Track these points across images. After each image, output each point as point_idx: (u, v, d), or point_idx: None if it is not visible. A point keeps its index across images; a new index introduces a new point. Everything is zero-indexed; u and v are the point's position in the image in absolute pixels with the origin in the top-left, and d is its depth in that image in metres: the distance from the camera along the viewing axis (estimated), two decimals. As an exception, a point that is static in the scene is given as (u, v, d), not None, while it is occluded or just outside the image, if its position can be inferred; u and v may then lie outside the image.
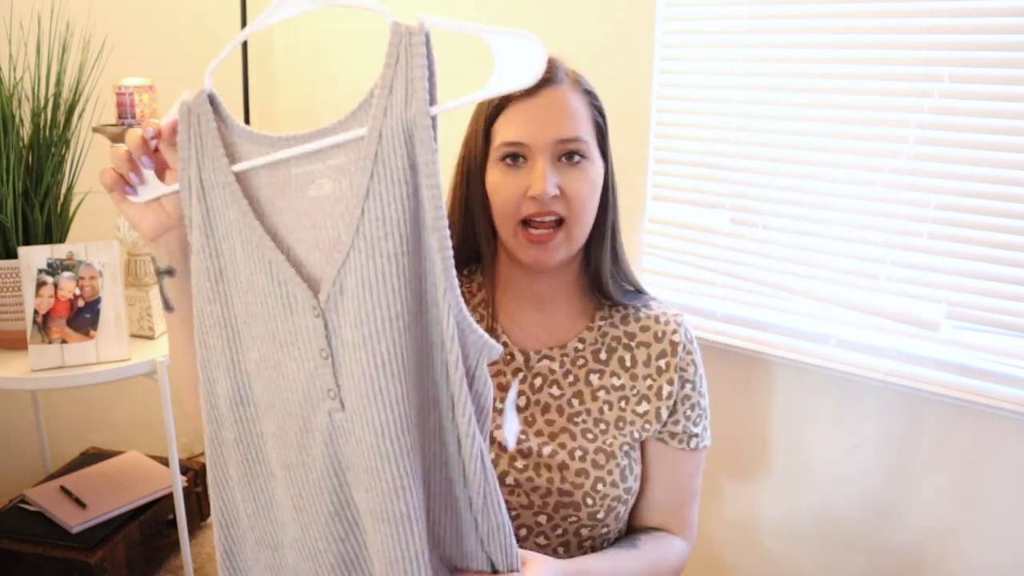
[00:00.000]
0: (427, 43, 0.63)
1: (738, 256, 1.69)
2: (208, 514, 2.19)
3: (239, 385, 0.73)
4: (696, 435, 0.99)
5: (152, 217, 0.76)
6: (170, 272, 0.79)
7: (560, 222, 0.90)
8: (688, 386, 0.99)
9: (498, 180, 0.91)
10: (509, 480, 0.92)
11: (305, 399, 0.70)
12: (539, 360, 0.97)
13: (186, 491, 1.98)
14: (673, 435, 0.99)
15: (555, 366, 0.97)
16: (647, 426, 0.96)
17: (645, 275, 1.83)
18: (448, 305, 0.65)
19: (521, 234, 0.91)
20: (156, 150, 0.74)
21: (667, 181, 1.79)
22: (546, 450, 0.93)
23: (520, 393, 0.96)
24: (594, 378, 0.97)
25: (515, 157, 0.90)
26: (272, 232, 0.70)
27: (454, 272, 0.65)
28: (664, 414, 0.97)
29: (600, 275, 0.98)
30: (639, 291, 1.02)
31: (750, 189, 1.65)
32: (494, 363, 0.94)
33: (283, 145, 0.69)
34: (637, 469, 0.98)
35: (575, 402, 0.96)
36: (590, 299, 1.01)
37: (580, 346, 0.98)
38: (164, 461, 2.01)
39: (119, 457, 2.11)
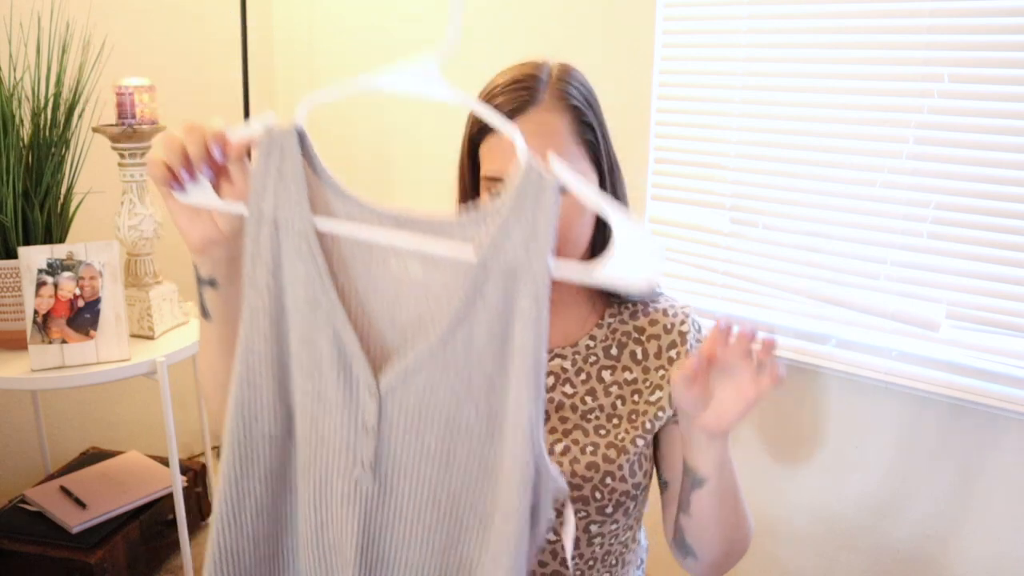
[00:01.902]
0: (558, 197, 0.62)
1: (738, 256, 1.69)
2: (208, 514, 2.19)
3: (282, 421, 0.73)
4: None
5: (201, 228, 0.72)
6: (212, 283, 0.76)
7: None
8: None
9: None
10: None
11: (333, 460, 0.70)
12: (551, 359, 0.97)
13: (186, 491, 1.97)
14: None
15: (567, 364, 0.97)
16: (660, 413, 0.96)
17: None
18: (532, 444, 0.65)
19: None
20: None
21: (667, 181, 1.79)
22: (558, 447, 0.94)
23: None
24: (606, 374, 0.97)
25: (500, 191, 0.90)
26: (341, 293, 0.68)
27: (542, 417, 0.66)
28: None
29: None
30: None
31: (750, 189, 1.65)
32: None
33: (374, 218, 0.67)
34: (647, 465, 0.98)
35: (588, 399, 0.96)
36: (599, 298, 1.01)
37: (591, 343, 0.99)
38: (164, 461, 2.01)
39: (119, 457, 2.10)
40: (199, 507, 2.14)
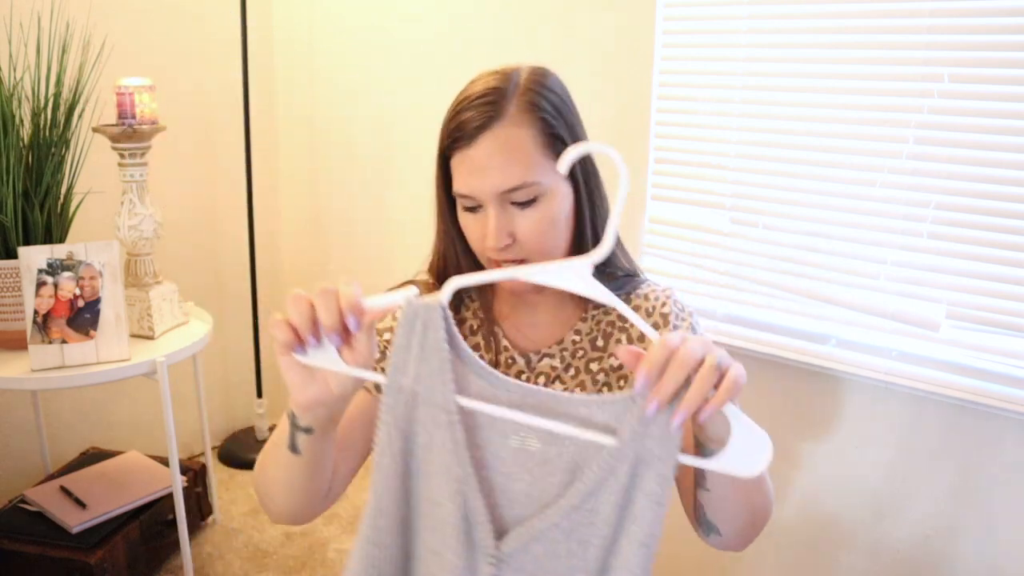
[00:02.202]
0: None
1: (738, 256, 1.69)
2: (208, 514, 2.19)
3: (402, 568, 0.75)
4: None
5: (314, 389, 0.73)
6: (308, 431, 0.77)
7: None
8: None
9: (463, 221, 0.92)
10: None
11: None
12: (539, 360, 0.98)
13: (186, 491, 1.97)
14: None
15: (556, 363, 0.98)
16: None
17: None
18: None
19: (494, 265, 0.92)
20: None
21: (667, 181, 1.79)
22: None
23: None
24: (593, 365, 0.98)
25: (471, 206, 0.90)
26: (473, 462, 0.71)
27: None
28: None
29: None
30: (630, 275, 1.02)
31: (750, 189, 1.66)
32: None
33: (507, 395, 0.70)
34: None
35: (578, 392, 0.96)
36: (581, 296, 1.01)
37: (577, 338, 0.99)
38: (164, 461, 2.01)
39: (119, 457, 2.10)
40: (199, 507, 2.14)
